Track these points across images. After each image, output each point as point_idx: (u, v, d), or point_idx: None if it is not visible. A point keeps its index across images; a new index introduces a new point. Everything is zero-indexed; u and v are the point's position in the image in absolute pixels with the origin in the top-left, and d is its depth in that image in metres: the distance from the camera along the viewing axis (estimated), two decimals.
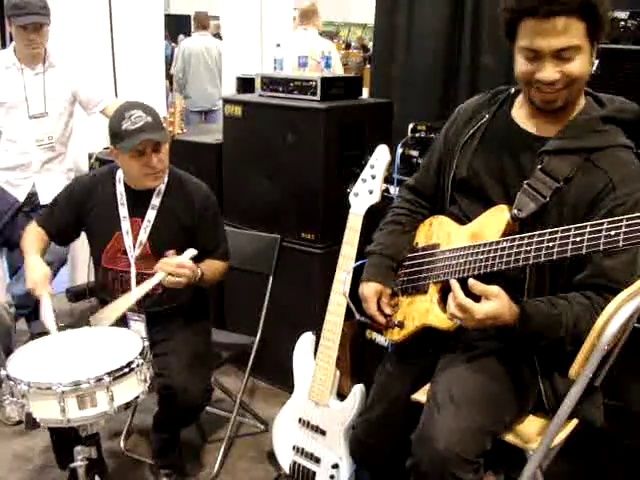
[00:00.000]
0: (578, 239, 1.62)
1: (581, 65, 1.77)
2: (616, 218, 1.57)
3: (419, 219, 2.25)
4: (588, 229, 1.61)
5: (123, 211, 2.62)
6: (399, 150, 2.94)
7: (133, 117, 2.45)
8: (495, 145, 2.01)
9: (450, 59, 3.44)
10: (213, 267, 2.65)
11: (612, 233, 1.56)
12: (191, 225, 2.65)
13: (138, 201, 2.62)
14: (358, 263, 2.37)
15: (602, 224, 1.58)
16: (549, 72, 1.77)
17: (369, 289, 2.18)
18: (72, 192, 2.72)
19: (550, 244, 1.68)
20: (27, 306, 3.53)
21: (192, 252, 2.47)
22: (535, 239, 1.71)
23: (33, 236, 2.66)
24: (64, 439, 2.41)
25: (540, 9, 1.71)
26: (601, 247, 1.59)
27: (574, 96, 1.85)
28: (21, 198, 3.52)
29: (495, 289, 1.76)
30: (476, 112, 2.11)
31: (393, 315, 2.19)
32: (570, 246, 1.63)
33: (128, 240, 2.61)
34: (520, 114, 1.98)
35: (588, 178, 1.81)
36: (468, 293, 1.79)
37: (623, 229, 1.55)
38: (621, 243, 1.55)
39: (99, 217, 2.65)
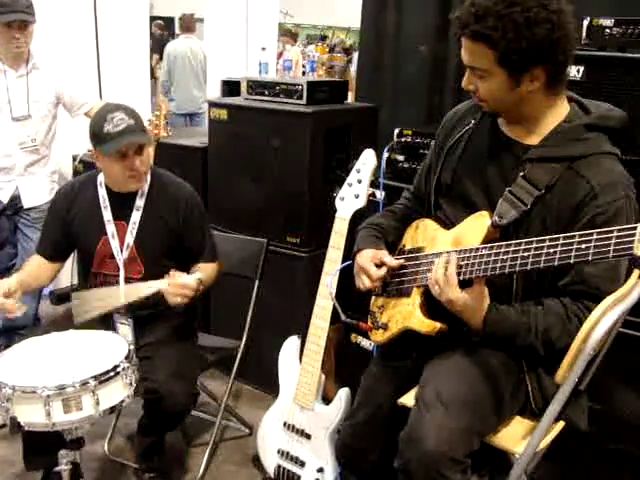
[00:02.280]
0: (551, 250, 1.64)
1: (488, 88, 1.84)
2: (587, 232, 1.59)
3: (413, 217, 2.25)
4: (561, 241, 1.63)
5: (107, 215, 2.61)
6: (385, 155, 2.94)
7: (115, 119, 2.43)
8: (480, 151, 2.03)
9: (437, 64, 3.45)
10: (209, 274, 2.65)
11: (583, 246, 1.59)
12: (177, 225, 2.64)
13: (121, 204, 2.61)
14: (344, 264, 2.37)
15: (574, 237, 1.61)
16: (465, 81, 1.90)
17: (362, 258, 2.16)
18: (55, 207, 2.72)
19: (525, 254, 1.70)
20: (23, 326, 3.50)
21: (198, 275, 2.45)
22: (512, 248, 1.74)
23: (25, 266, 2.66)
24: (36, 442, 2.39)
25: (453, 25, 1.83)
26: (572, 260, 1.61)
27: (509, 111, 1.90)
28: (4, 200, 3.50)
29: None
30: (463, 118, 2.13)
31: (378, 316, 2.19)
32: (543, 257, 1.66)
33: (115, 243, 2.60)
34: (505, 122, 1.99)
35: (570, 186, 1.82)
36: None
37: (593, 242, 1.57)
38: (590, 257, 1.58)
39: (84, 224, 2.64)
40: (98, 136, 2.46)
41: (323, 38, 15.73)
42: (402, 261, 2.11)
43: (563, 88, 1.90)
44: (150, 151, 2.71)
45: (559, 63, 1.80)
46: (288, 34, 10.54)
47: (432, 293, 1.90)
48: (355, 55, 10.45)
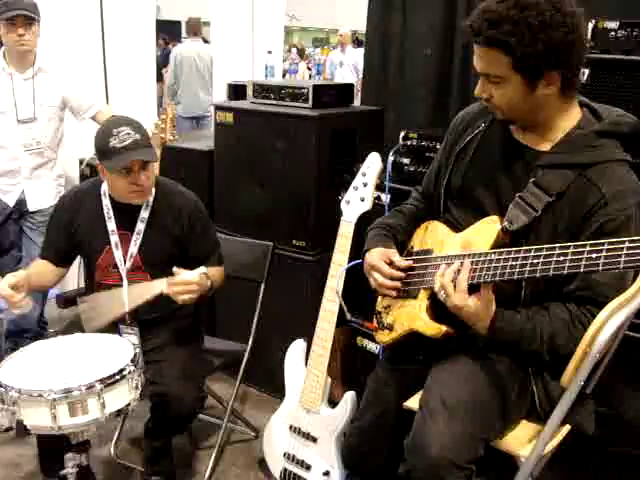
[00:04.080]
0: (561, 259, 1.64)
1: (503, 95, 1.83)
2: (598, 242, 1.59)
3: (422, 217, 2.25)
4: (571, 249, 1.62)
5: (111, 225, 2.60)
6: (390, 158, 2.94)
7: (121, 134, 2.42)
8: (491, 156, 2.02)
9: (442, 67, 3.44)
10: (216, 275, 2.64)
11: (593, 256, 1.58)
12: (181, 235, 2.64)
13: (126, 214, 2.61)
14: (352, 263, 2.37)
15: (585, 246, 1.60)
16: (477, 88, 1.90)
17: (372, 256, 2.14)
18: (59, 213, 2.71)
19: (535, 261, 1.69)
20: (29, 329, 3.51)
21: (202, 269, 2.43)
22: (521, 254, 1.73)
23: (33, 267, 2.65)
24: (51, 447, 2.41)
25: (467, 33, 1.83)
26: (582, 269, 1.60)
27: (524, 118, 1.89)
28: (10, 204, 3.51)
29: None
30: (473, 120, 2.11)
31: (384, 317, 2.19)
32: (553, 265, 1.65)
33: (118, 253, 2.59)
34: (516, 127, 1.98)
35: (581, 193, 1.81)
36: None
37: (604, 252, 1.56)
38: (600, 267, 1.57)
39: (88, 233, 2.64)
40: (103, 151, 2.45)
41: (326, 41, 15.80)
42: (411, 262, 2.10)
43: (576, 92, 1.89)
44: (155, 164, 2.71)
45: (574, 66, 1.79)
46: (299, 52, 10.71)
47: (438, 297, 1.90)
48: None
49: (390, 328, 2.14)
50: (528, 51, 1.71)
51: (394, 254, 2.12)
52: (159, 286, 2.41)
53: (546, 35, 1.70)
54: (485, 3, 1.79)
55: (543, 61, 1.74)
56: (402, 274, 2.09)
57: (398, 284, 2.09)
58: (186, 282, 2.39)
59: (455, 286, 1.82)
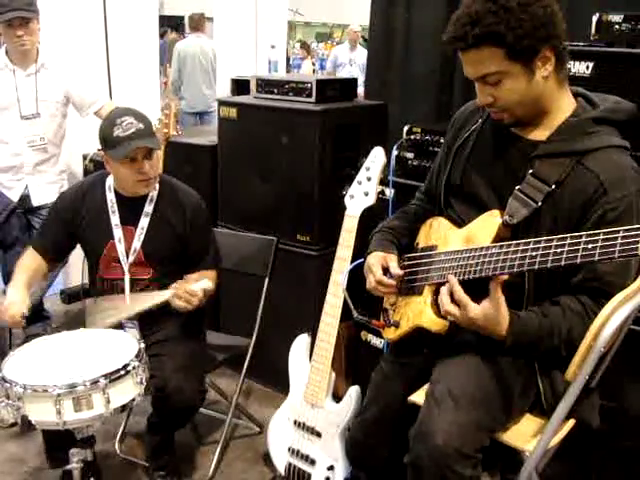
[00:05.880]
0: (559, 250, 1.63)
1: (510, 89, 1.81)
2: (594, 232, 1.58)
3: (427, 216, 2.24)
4: (568, 240, 1.61)
5: (114, 219, 2.62)
6: (394, 152, 2.94)
7: (124, 124, 2.45)
8: (488, 150, 2.02)
9: (446, 62, 3.44)
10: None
11: (589, 246, 1.57)
12: (183, 232, 2.66)
13: (130, 209, 2.62)
14: (356, 262, 2.37)
15: (581, 237, 1.59)
16: (480, 96, 1.89)
17: (372, 258, 2.15)
18: (60, 207, 2.72)
19: (533, 253, 1.68)
20: None
21: (207, 284, 2.46)
22: (520, 247, 1.72)
23: (25, 264, 2.64)
24: (56, 439, 2.42)
25: (451, 45, 1.82)
26: (578, 260, 1.59)
27: (529, 112, 1.87)
28: (14, 200, 3.51)
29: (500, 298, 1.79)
30: (470, 117, 2.12)
31: (391, 314, 2.19)
32: (551, 257, 1.64)
33: (121, 248, 2.61)
34: None
35: (580, 181, 1.80)
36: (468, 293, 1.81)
37: (599, 243, 1.55)
38: (596, 257, 1.56)
39: (91, 227, 2.65)
40: (107, 140, 2.49)
41: (329, 36, 15.79)
42: (402, 272, 2.09)
43: (568, 72, 1.89)
44: (160, 154, 2.72)
45: (561, 36, 1.79)
46: (305, 47, 10.72)
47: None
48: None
49: (397, 325, 2.14)
50: (519, 33, 1.71)
51: (392, 260, 2.12)
52: (165, 295, 2.45)
53: (528, 13, 1.71)
54: (454, 14, 1.81)
55: (535, 38, 1.74)
56: (392, 282, 2.09)
57: (390, 290, 2.11)
58: (190, 292, 2.42)
59: (459, 303, 1.81)
